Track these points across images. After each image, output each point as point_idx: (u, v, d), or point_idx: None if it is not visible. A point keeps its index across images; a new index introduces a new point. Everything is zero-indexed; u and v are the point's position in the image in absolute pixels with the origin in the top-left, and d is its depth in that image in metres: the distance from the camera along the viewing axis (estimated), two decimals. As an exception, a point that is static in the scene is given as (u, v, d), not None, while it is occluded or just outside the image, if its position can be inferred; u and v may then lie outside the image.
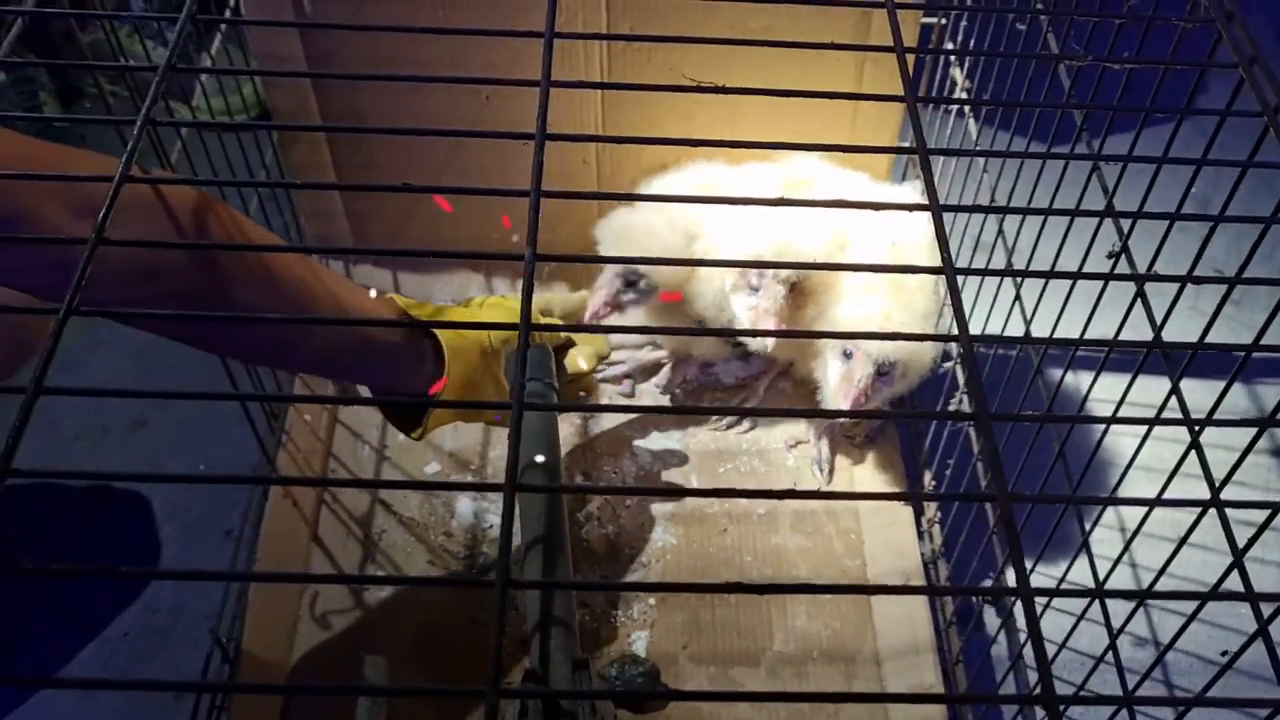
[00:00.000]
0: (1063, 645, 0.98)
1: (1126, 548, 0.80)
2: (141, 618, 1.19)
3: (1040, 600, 1.01)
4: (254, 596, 1.10)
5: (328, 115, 1.29)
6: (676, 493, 0.47)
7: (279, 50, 1.23)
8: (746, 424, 1.30)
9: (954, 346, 1.17)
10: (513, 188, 0.61)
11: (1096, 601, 0.88)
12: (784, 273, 1.08)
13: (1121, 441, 1.23)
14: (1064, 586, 0.98)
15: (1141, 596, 0.52)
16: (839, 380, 1.07)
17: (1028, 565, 1.04)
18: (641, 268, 1.12)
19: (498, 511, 1.19)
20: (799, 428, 1.30)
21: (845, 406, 1.06)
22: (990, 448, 0.52)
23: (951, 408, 1.18)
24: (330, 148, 1.32)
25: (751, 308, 1.09)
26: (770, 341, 1.08)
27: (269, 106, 1.28)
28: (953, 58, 1.20)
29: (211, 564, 1.24)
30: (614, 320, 1.18)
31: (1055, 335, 0.96)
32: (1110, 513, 1.27)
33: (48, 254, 0.67)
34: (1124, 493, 1.21)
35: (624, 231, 1.16)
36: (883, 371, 1.07)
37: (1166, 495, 0.77)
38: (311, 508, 1.21)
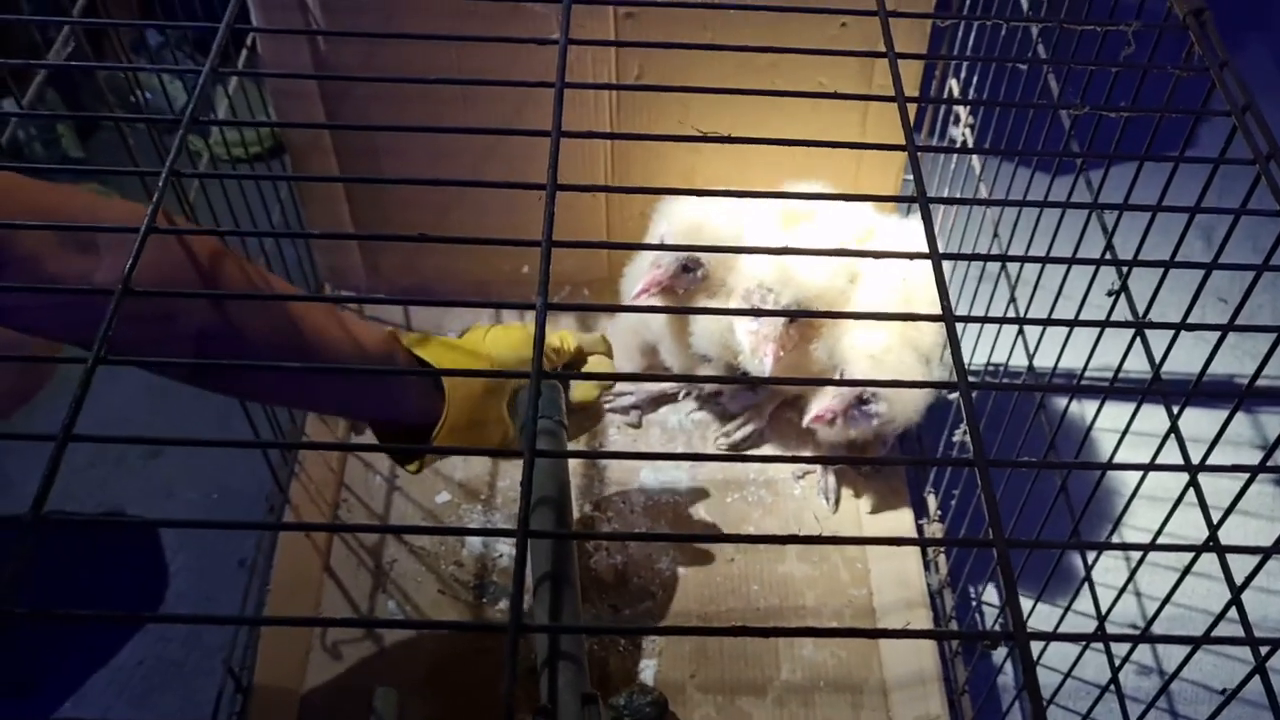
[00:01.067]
0: (1067, 675, 0.99)
1: (1128, 583, 0.81)
2: (155, 647, 1.21)
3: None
4: (264, 633, 1.11)
5: (342, 148, 1.31)
6: (683, 538, 0.48)
7: (294, 87, 1.25)
8: (747, 430, 1.33)
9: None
10: (524, 238, 0.63)
11: (1102, 630, 0.90)
12: (785, 300, 1.09)
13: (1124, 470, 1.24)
14: (1069, 615, 0.99)
15: (1138, 640, 0.53)
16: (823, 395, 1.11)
17: (1033, 595, 1.06)
18: (700, 255, 1.13)
19: (507, 541, 1.21)
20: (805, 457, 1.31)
21: (808, 418, 1.11)
22: (988, 493, 0.53)
23: (955, 439, 1.19)
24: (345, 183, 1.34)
25: (752, 332, 1.11)
26: (769, 364, 1.10)
27: (284, 141, 1.31)
28: (954, 94, 1.22)
29: (225, 593, 1.26)
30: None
31: (1059, 362, 0.98)
32: (1114, 539, 1.28)
33: (53, 297, 0.69)
34: (1127, 522, 1.22)
35: (682, 217, 1.17)
36: (865, 400, 1.09)
37: (1169, 524, 0.79)
38: (323, 537, 1.22)
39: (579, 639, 0.69)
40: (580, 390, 1.10)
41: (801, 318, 1.08)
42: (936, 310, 0.60)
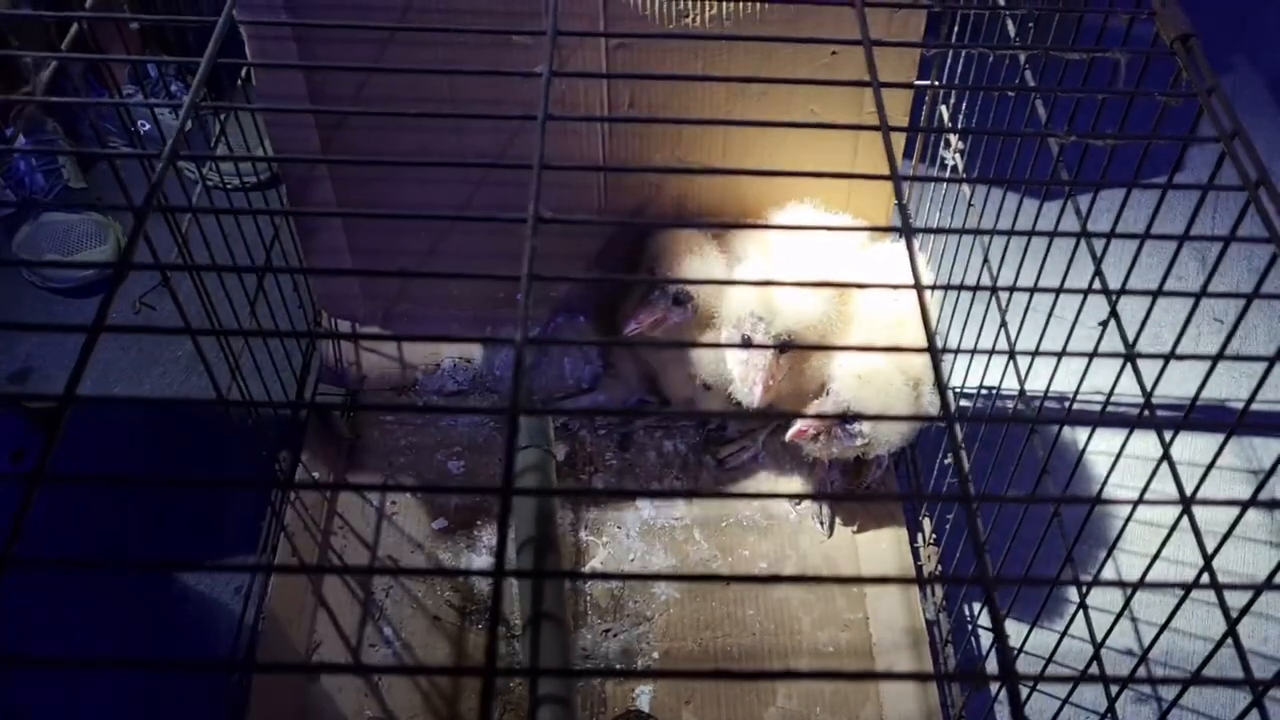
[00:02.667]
0: (1065, 701, 0.98)
1: (1120, 615, 0.80)
2: (153, 677, 1.20)
3: (1036, 664, 1.00)
4: (259, 658, 1.11)
5: (337, 175, 1.30)
6: (665, 578, 0.48)
7: (288, 117, 1.25)
8: (742, 458, 1.33)
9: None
10: (501, 254, 0.63)
11: (1098, 660, 0.89)
12: (776, 329, 1.09)
13: (1117, 493, 1.23)
14: (1067, 639, 0.98)
15: (1127, 681, 0.52)
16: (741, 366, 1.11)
17: (1027, 622, 1.06)
18: (691, 289, 1.14)
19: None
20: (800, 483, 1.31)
21: (790, 434, 1.12)
22: (975, 533, 0.53)
23: (949, 462, 1.19)
24: (337, 204, 1.33)
25: (743, 362, 1.11)
26: (758, 394, 1.10)
27: (280, 169, 1.31)
28: (945, 120, 1.21)
29: (223, 619, 1.25)
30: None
31: (1051, 385, 0.97)
32: (1109, 568, 1.27)
33: None
34: (1124, 546, 1.21)
35: (672, 246, 1.19)
36: (848, 420, 1.09)
37: (1167, 548, 0.78)
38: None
39: (570, 682, 0.69)
40: None
41: (788, 350, 1.08)
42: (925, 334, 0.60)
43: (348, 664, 0.85)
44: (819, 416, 0.84)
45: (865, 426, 1.09)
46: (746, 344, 1.09)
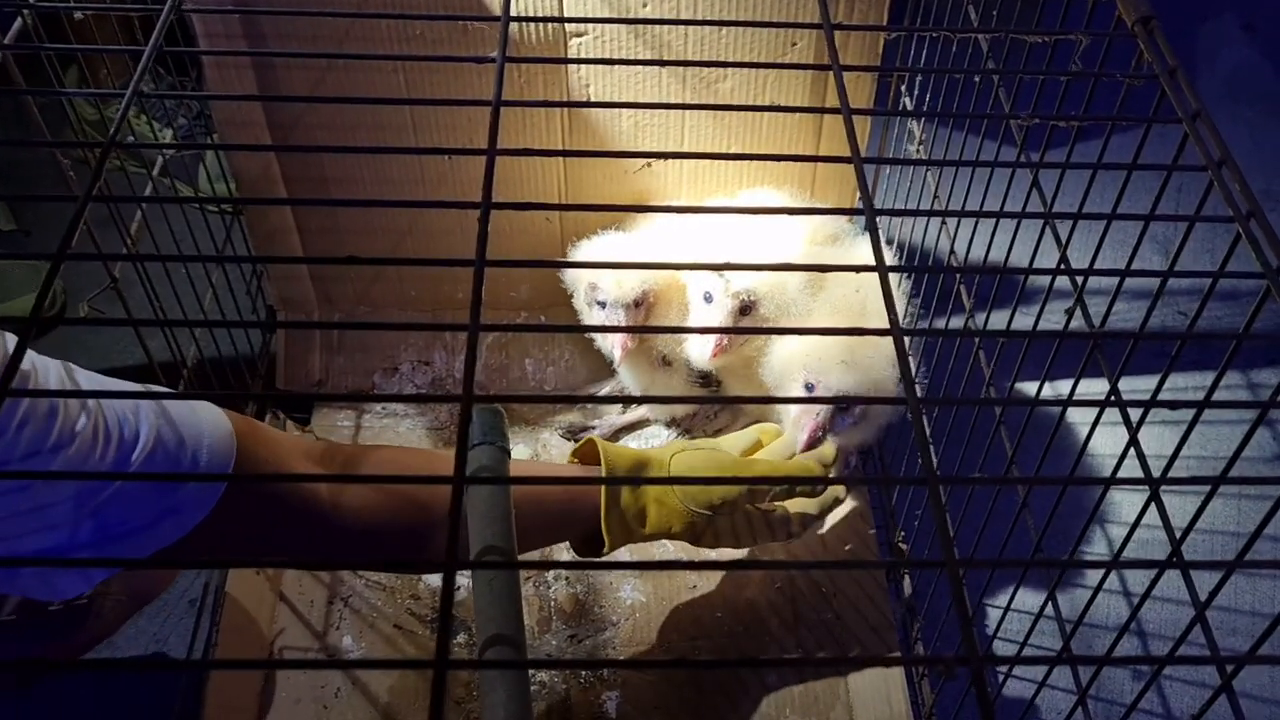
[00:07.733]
0: (1036, 693, 0.97)
1: (1088, 607, 0.79)
2: (107, 688, 1.17)
3: (1011, 648, 0.99)
4: (215, 673, 1.08)
5: (291, 179, 1.28)
6: (631, 566, 0.46)
7: (242, 117, 1.23)
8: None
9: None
10: (459, 257, 0.61)
11: (1067, 649, 0.88)
12: (735, 287, 1.10)
13: (1087, 487, 1.22)
14: (1042, 625, 0.96)
15: (1102, 661, 0.51)
16: (799, 411, 1.07)
17: (999, 607, 1.04)
18: (647, 287, 1.15)
19: (465, 574, 1.17)
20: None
21: (803, 438, 1.07)
22: (939, 510, 0.51)
23: (920, 461, 1.18)
24: (294, 211, 1.31)
25: (702, 319, 1.13)
26: (709, 352, 1.10)
27: (234, 173, 1.28)
28: (908, 107, 1.21)
29: (175, 634, 1.22)
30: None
31: (1018, 372, 0.96)
32: (1081, 555, 1.26)
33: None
34: (1086, 542, 1.21)
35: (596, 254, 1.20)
36: (843, 406, 1.07)
37: (1138, 537, 0.77)
38: (274, 571, 1.19)
39: (522, 675, 0.66)
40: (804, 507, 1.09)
41: (752, 332, 1.07)
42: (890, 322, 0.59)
43: (302, 659, 0.82)
44: (783, 400, 0.82)
45: (858, 409, 1.08)
46: (708, 300, 1.10)
